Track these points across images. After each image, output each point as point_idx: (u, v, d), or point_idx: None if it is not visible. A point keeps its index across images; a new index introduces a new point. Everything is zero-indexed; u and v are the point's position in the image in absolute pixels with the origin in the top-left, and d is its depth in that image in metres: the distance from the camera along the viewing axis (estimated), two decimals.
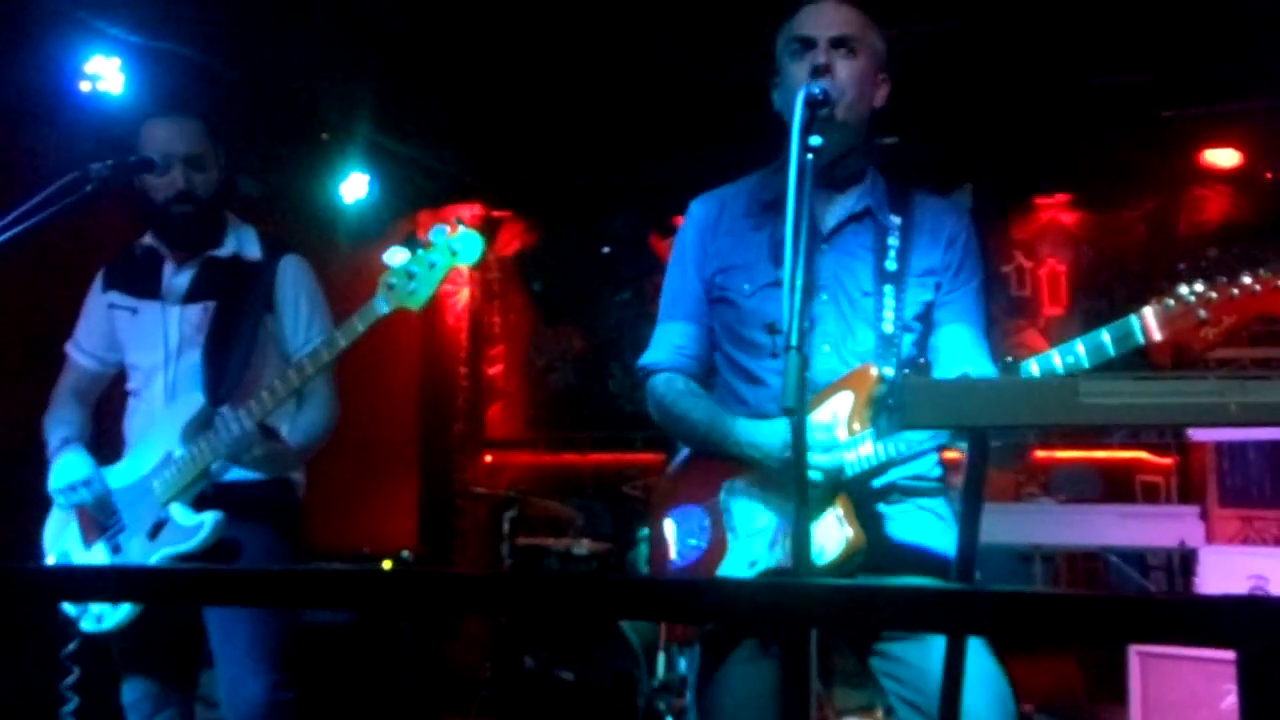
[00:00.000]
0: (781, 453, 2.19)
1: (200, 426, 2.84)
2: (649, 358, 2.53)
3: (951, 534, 2.30)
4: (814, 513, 2.17)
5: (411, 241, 2.66)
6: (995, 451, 1.87)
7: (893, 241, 2.34)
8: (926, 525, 2.30)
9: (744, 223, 2.44)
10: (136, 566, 2.75)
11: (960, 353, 2.31)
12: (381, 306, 2.67)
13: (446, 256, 2.61)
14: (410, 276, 2.63)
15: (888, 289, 2.31)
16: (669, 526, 2.44)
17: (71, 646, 2.99)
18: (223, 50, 4.70)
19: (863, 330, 2.31)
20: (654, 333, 2.55)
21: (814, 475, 2.14)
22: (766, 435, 2.24)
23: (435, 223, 7.55)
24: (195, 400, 2.91)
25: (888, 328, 2.29)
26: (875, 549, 2.20)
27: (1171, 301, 1.89)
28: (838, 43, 2.28)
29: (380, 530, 6.34)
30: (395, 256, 2.63)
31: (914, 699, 2.18)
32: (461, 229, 2.61)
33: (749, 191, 2.48)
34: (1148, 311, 1.90)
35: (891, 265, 2.32)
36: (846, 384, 2.24)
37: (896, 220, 2.36)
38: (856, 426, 2.18)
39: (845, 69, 2.27)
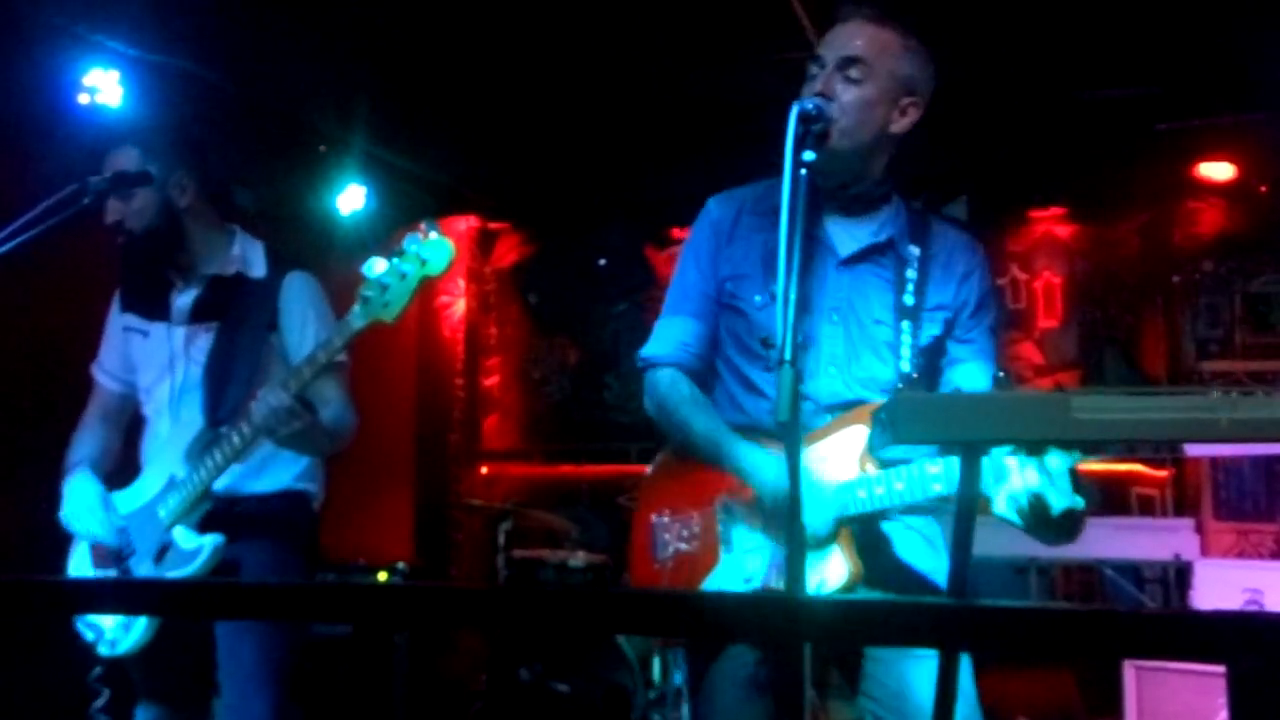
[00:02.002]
0: (775, 494, 2.17)
1: (202, 449, 2.82)
2: (651, 350, 2.46)
3: (938, 557, 2.31)
4: (815, 549, 2.17)
5: (392, 250, 2.63)
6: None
7: (911, 274, 2.31)
8: (913, 546, 2.30)
9: (761, 232, 2.38)
10: (125, 580, 2.75)
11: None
12: (357, 321, 2.63)
13: (416, 266, 2.56)
14: (384, 289, 2.58)
15: (905, 325, 2.28)
16: (655, 525, 2.40)
17: (99, 670, 2.98)
18: (220, 63, 4.71)
19: (868, 356, 2.29)
20: (657, 324, 2.49)
21: (808, 524, 2.12)
22: (766, 472, 2.21)
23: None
24: (195, 422, 2.89)
25: (906, 365, 2.27)
26: (876, 569, 2.19)
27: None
28: (844, 64, 2.24)
29: (376, 542, 6.33)
30: (375, 267, 2.60)
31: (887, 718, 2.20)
32: (433, 235, 2.56)
33: (773, 197, 2.41)
34: None
35: (909, 300, 2.30)
36: (859, 418, 2.21)
37: (915, 251, 2.33)
38: (869, 467, 2.16)
39: (847, 93, 2.23)
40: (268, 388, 2.69)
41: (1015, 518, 1.96)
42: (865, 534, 2.21)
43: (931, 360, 2.34)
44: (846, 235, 2.35)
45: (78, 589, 1.97)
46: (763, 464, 2.22)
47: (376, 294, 2.59)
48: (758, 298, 2.34)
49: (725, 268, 2.40)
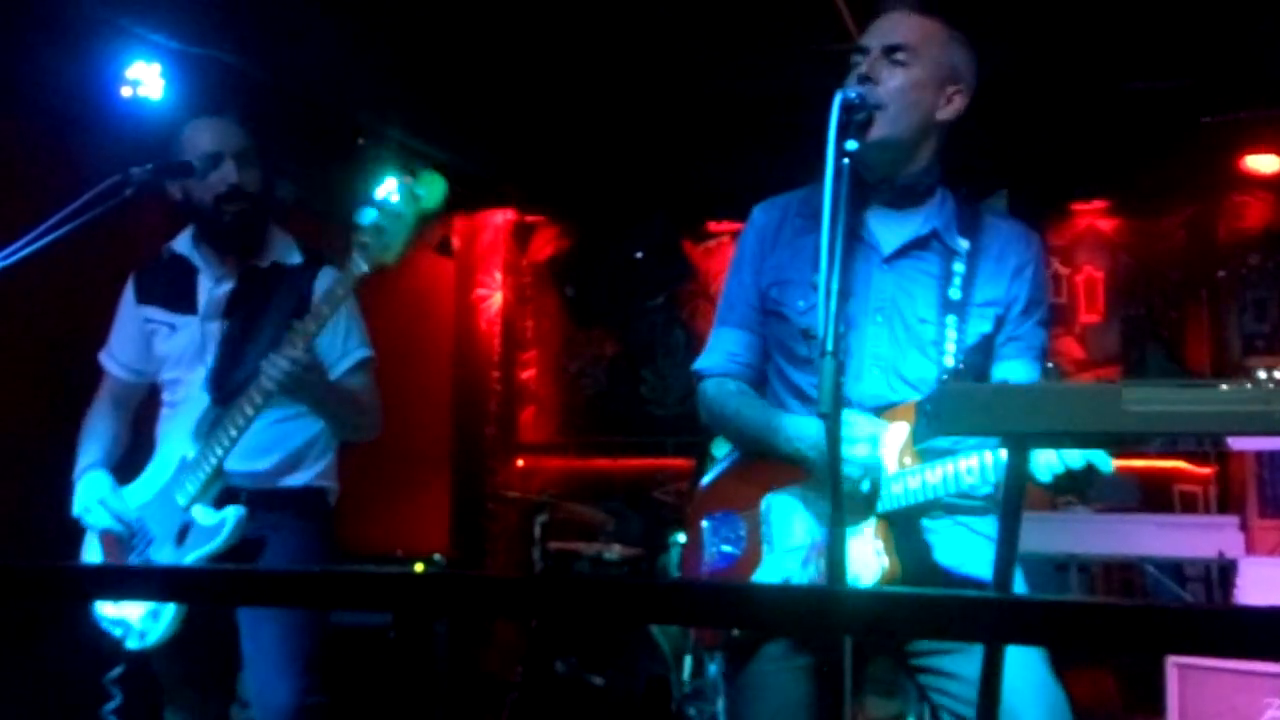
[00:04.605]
0: (822, 452, 2.15)
1: (210, 426, 2.82)
2: (703, 362, 2.49)
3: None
4: (851, 530, 2.15)
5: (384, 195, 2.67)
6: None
7: (958, 268, 2.26)
8: (969, 546, 2.25)
9: (805, 237, 2.35)
10: (165, 566, 2.75)
11: None
12: (358, 267, 2.65)
13: (411, 204, 2.61)
14: (380, 231, 2.62)
15: (950, 319, 2.24)
16: (704, 530, 2.42)
17: (115, 672, 2.99)
18: (260, 55, 4.74)
19: (914, 356, 2.26)
20: (710, 337, 2.51)
21: (850, 470, 2.10)
22: (814, 430, 2.19)
23: (468, 226, 7.51)
24: (202, 401, 2.90)
25: (949, 360, 2.23)
26: (916, 571, 2.16)
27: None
28: (889, 50, 2.22)
29: (412, 533, 6.36)
30: (366, 216, 2.64)
31: (966, 713, 2.15)
32: (423, 174, 2.62)
33: (808, 200, 2.41)
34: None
35: (956, 294, 2.25)
36: (902, 415, 2.18)
37: (964, 244, 2.28)
38: (908, 460, 2.13)
39: (893, 79, 2.21)
40: (277, 349, 2.70)
41: (1049, 478, 1.94)
42: (905, 535, 2.18)
43: (982, 359, 2.29)
44: (889, 231, 2.31)
45: (114, 576, 1.98)
46: (810, 426, 2.21)
47: (374, 238, 2.63)
48: (801, 303, 2.31)
49: (769, 275, 2.39)
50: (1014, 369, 2.28)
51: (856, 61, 2.26)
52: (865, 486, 2.14)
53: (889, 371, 2.26)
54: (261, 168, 2.97)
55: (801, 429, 2.23)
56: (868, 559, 2.14)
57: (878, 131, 2.18)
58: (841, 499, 1.76)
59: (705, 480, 2.54)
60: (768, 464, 2.33)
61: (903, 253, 2.30)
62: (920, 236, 2.30)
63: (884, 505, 2.14)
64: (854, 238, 2.24)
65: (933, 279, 2.28)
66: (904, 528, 2.18)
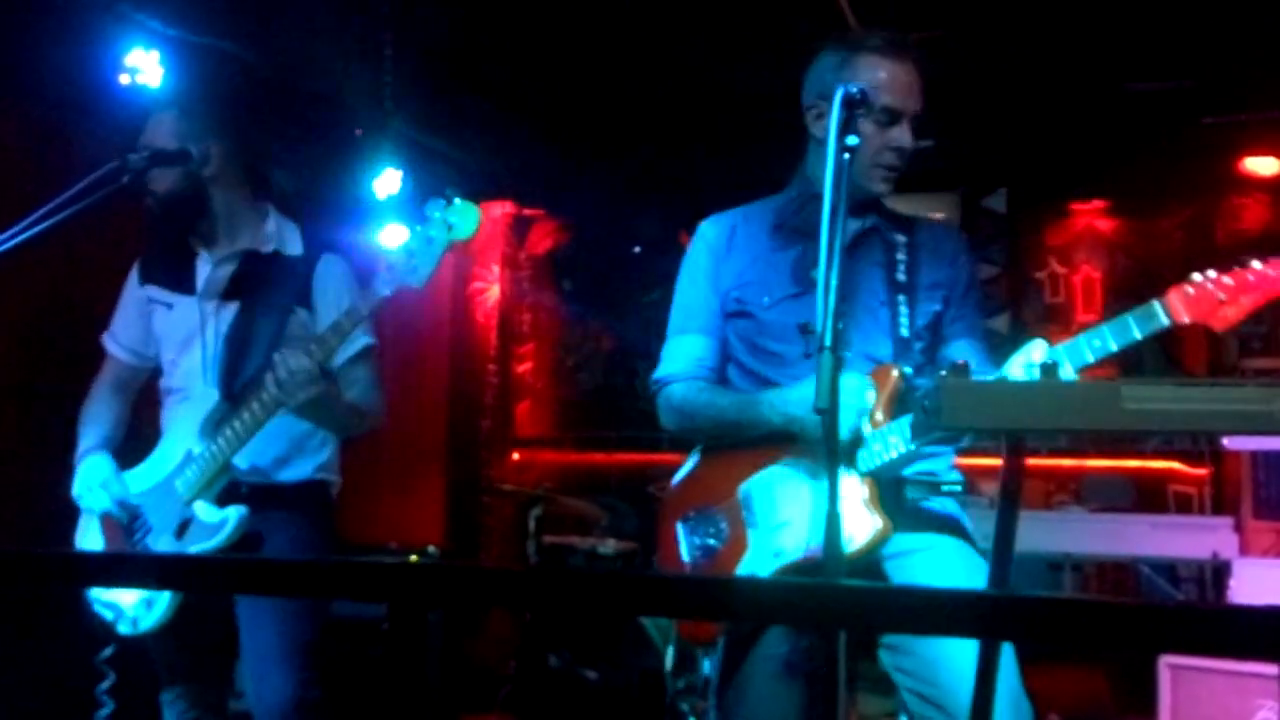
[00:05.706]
0: (813, 410, 2.20)
1: (218, 422, 2.81)
2: (663, 370, 2.53)
3: (963, 520, 2.38)
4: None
5: (417, 217, 2.67)
6: None
7: (900, 256, 2.44)
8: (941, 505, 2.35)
9: (763, 243, 2.49)
10: (161, 554, 2.75)
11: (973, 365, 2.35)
12: (383, 288, 2.66)
13: (444, 231, 2.62)
14: (410, 255, 2.63)
15: (901, 298, 2.40)
16: (678, 532, 2.45)
17: (107, 651, 2.99)
18: (259, 45, 4.73)
19: (878, 338, 2.38)
20: (665, 347, 2.55)
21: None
22: (797, 400, 2.24)
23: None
24: (211, 396, 2.88)
25: (904, 332, 2.37)
26: (895, 513, 2.22)
27: (1191, 289, 2.01)
28: (916, 118, 2.39)
29: (407, 526, 6.36)
30: (399, 235, 2.65)
31: (924, 690, 2.20)
32: (457, 202, 2.62)
33: (768, 213, 2.54)
34: (1171, 295, 2.01)
35: (902, 277, 2.42)
36: (872, 379, 2.27)
37: (902, 238, 2.46)
38: (880, 417, 2.21)
39: (910, 139, 2.40)
40: (289, 350, 2.68)
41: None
42: (889, 491, 2.24)
43: (933, 336, 2.44)
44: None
45: (110, 563, 1.98)
46: (792, 391, 2.28)
47: (403, 261, 2.63)
48: (765, 299, 2.43)
49: (727, 280, 2.50)
50: (963, 348, 2.43)
51: (882, 119, 2.36)
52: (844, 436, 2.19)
53: (858, 355, 2.34)
54: (184, 171, 2.88)
55: (785, 394, 2.29)
56: (859, 518, 2.19)
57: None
58: (837, 488, 1.76)
59: (673, 483, 2.56)
60: (736, 454, 2.39)
61: (854, 245, 2.41)
62: (865, 230, 2.46)
63: (866, 465, 2.21)
64: (811, 238, 2.28)
65: (879, 267, 2.44)
66: (888, 486, 2.24)
